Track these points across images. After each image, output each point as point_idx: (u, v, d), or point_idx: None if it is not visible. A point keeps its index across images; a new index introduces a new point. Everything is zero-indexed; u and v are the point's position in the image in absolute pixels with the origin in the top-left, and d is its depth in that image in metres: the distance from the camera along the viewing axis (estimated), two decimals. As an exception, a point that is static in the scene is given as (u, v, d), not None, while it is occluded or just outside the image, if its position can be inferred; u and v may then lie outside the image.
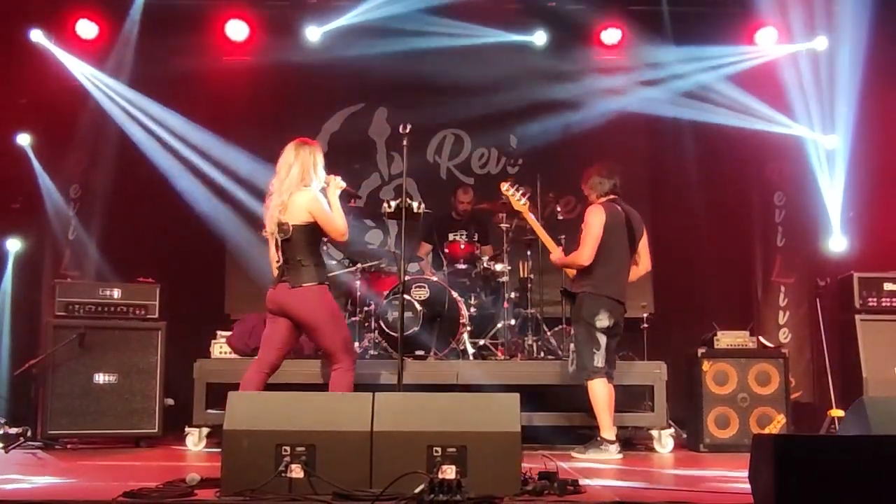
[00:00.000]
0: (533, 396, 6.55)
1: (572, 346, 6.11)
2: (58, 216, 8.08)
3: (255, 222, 8.67)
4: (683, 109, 8.18)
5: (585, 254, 5.93)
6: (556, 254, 6.23)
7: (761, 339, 6.83)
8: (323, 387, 6.23)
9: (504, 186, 6.39)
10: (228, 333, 6.78)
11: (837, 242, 7.86)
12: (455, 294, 7.06)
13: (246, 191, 8.84)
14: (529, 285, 7.48)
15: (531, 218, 6.34)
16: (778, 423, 6.44)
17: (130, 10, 8.14)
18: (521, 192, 6.35)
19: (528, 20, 8.63)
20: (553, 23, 8.70)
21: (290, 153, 5.23)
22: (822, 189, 7.96)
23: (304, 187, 5.16)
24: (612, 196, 6.10)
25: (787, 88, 8.00)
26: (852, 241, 7.85)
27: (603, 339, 5.92)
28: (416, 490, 3.73)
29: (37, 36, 8.02)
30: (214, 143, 8.43)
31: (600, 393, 5.92)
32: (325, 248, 7.55)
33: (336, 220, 5.18)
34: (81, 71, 8.17)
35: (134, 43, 8.17)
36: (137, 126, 8.25)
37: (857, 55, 7.57)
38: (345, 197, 5.46)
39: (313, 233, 5.18)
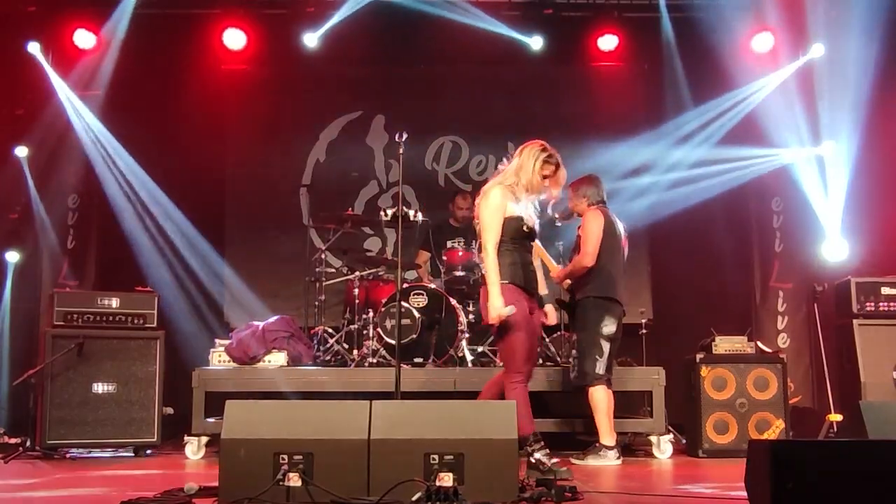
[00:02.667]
0: (531, 403, 6.55)
1: (574, 352, 6.11)
2: (44, 228, 8.09)
3: (253, 228, 8.82)
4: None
5: (589, 256, 5.95)
6: (556, 270, 6.24)
7: (759, 344, 6.83)
8: (320, 395, 6.26)
9: None
10: (227, 342, 6.78)
11: (836, 248, 7.83)
12: (453, 301, 7.06)
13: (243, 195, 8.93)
14: (527, 292, 7.46)
15: None
16: (777, 429, 6.44)
17: (109, 22, 8.16)
18: None
19: (525, 27, 8.65)
20: (550, 29, 8.74)
21: (519, 149, 5.17)
22: (819, 196, 7.95)
23: (500, 185, 5.08)
24: (602, 204, 6.17)
25: (780, 110, 8.03)
26: (851, 245, 7.84)
27: (607, 347, 5.93)
28: (414, 498, 3.74)
29: (34, 48, 8.04)
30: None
31: (601, 399, 5.92)
32: (324, 255, 7.62)
33: (486, 234, 5.01)
34: (65, 93, 8.18)
35: (116, 55, 8.16)
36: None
37: (859, 59, 7.55)
38: None
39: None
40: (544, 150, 5.13)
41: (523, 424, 5.00)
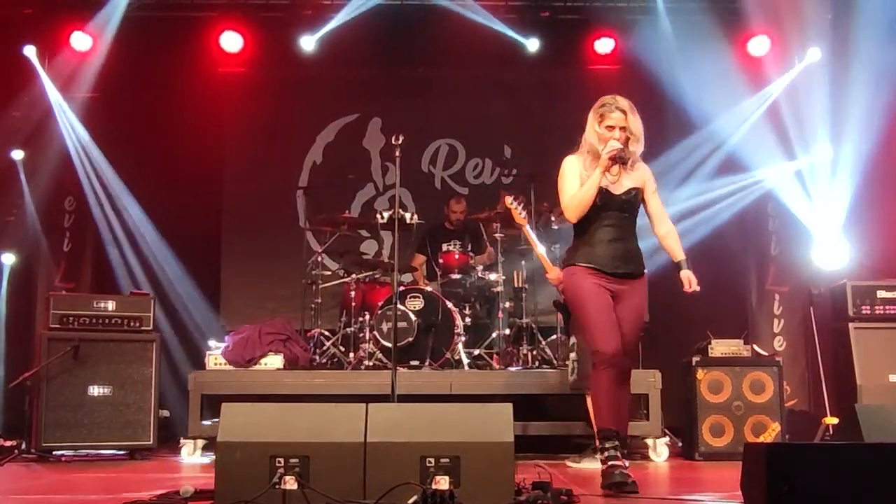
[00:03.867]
0: (528, 406, 6.55)
1: (573, 354, 6.08)
2: (39, 231, 8.08)
3: (250, 231, 8.82)
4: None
5: None
6: (553, 273, 6.22)
7: (756, 347, 6.84)
8: (317, 398, 6.25)
9: (508, 199, 6.37)
10: (223, 345, 6.77)
11: (837, 253, 7.81)
12: (449, 304, 7.06)
13: (240, 197, 8.92)
14: (524, 295, 7.47)
15: (530, 234, 6.34)
16: (773, 432, 6.44)
17: (99, 21, 8.15)
18: (522, 205, 6.34)
19: (521, 30, 8.66)
20: (547, 32, 8.75)
21: None
22: (816, 201, 7.95)
23: (572, 155, 4.74)
24: None
25: (778, 118, 8.04)
26: (849, 248, 7.84)
27: (603, 349, 5.92)
28: (410, 501, 3.73)
29: (29, 52, 8.04)
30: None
31: (598, 402, 5.90)
32: (321, 257, 7.63)
33: (563, 191, 4.63)
34: (61, 97, 8.19)
35: (113, 58, 8.17)
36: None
37: (860, 62, 7.55)
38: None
39: None
40: (601, 100, 4.63)
41: (597, 416, 4.69)
